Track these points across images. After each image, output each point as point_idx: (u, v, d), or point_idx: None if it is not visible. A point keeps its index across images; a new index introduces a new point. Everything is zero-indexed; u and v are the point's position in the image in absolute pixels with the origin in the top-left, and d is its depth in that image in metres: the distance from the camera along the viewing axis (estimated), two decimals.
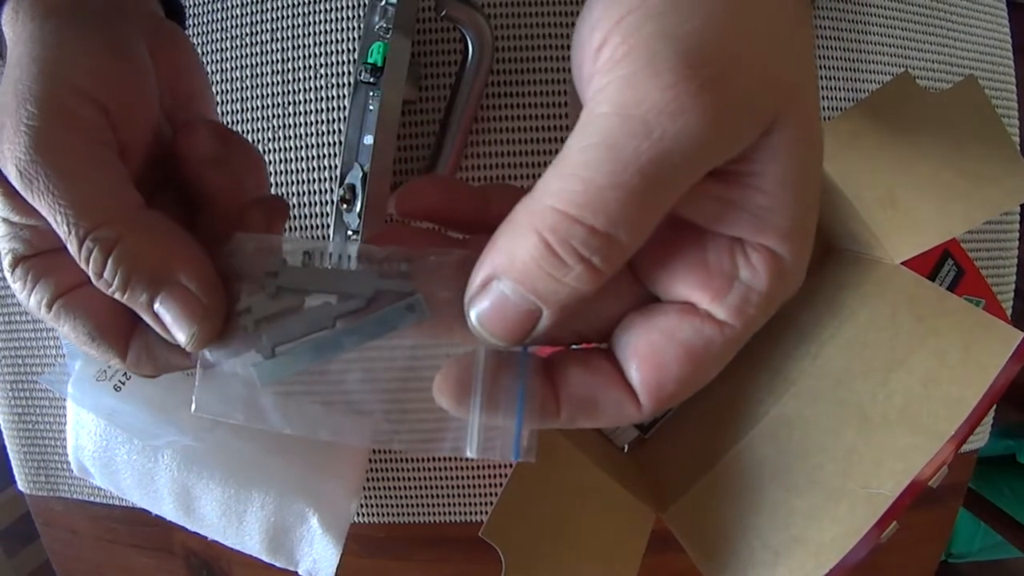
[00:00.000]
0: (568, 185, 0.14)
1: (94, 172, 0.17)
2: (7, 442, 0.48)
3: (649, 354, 0.16)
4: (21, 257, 0.18)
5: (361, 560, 0.46)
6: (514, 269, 0.15)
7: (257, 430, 0.41)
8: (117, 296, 0.18)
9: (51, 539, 0.49)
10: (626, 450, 0.44)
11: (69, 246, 0.17)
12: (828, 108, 0.43)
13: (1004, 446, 0.93)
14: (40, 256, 0.19)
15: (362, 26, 0.40)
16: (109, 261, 0.17)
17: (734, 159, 0.15)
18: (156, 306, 0.18)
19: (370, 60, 0.35)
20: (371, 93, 0.36)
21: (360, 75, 0.35)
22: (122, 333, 0.19)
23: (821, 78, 0.42)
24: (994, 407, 0.38)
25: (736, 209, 0.16)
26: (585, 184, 0.14)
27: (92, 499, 0.47)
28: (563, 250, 0.14)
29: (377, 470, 0.45)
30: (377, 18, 0.36)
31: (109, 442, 0.40)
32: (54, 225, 0.17)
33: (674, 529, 0.36)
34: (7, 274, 0.19)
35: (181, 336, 0.17)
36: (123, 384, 0.39)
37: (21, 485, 0.48)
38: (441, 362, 0.18)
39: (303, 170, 0.42)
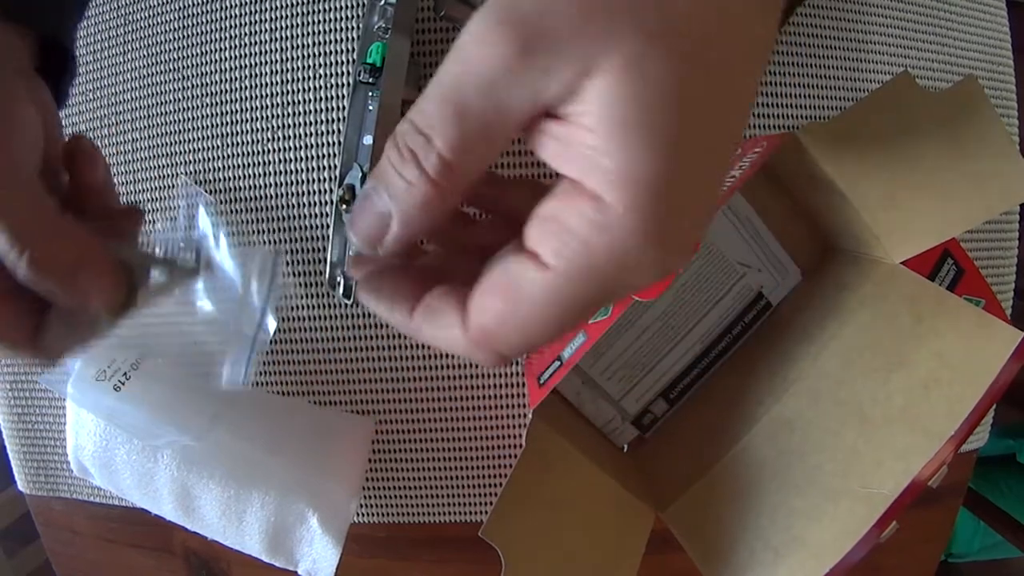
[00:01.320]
0: (417, 105, 0.17)
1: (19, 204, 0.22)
2: (7, 442, 0.48)
3: (480, 287, 0.18)
4: None
5: (361, 560, 0.46)
6: (378, 170, 0.18)
7: (257, 430, 0.41)
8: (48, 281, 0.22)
9: (51, 539, 0.49)
10: (626, 450, 0.44)
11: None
12: (828, 108, 0.43)
13: (1004, 446, 0.93)
14: None
15: (361, 26, 0.40)
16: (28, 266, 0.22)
17: (565, 100, 0.16)
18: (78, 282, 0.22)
19: (369, 60, 0.35)
20: (370, 93, 0.36)
21: (359, 75, 0.35)
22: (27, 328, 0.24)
23: (820, 77, 0.42)
24: (994, 407, 0.38)
25: (568, 147, 0.17)
26: (425, 103, 0.17)
27: (92, 499, 0.47)
28: (401, 144, 0.17)
29: (377, 470, 0.45)
30: (376, 18, 0.36)
31: (109, 442, 0.40)
32: None
33: (674, 529, 0.36)
34: None
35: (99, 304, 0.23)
36: (123, 384, 0.39)
37: (21, 485, 0.48)
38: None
39: (302, 170, 0.42)
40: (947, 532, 0.49)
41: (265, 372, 0.43)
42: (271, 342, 0.42)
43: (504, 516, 0.30)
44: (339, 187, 0.36)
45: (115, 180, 0.43)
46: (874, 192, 0.33)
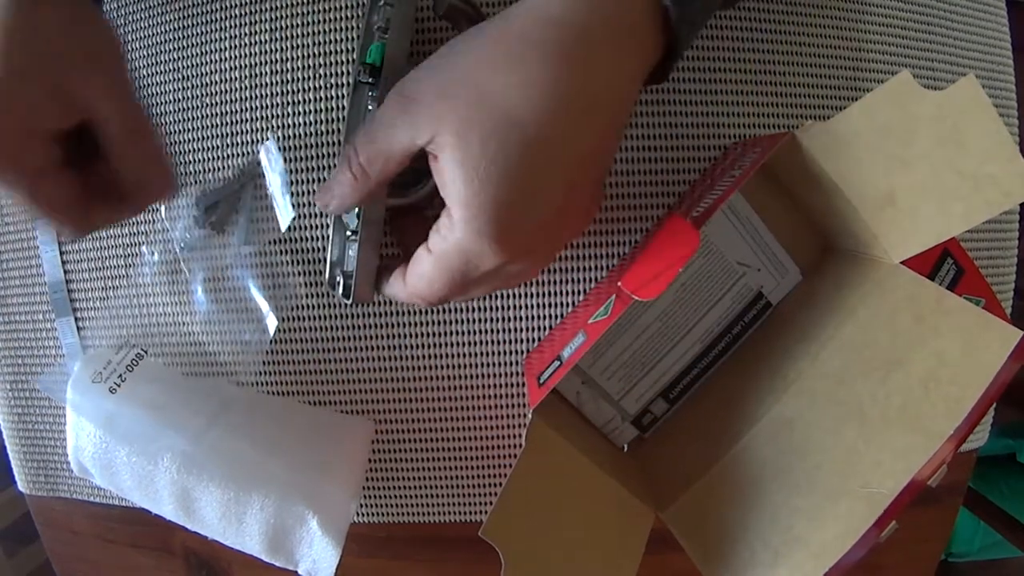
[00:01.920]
0: (359, 137, 0.30)
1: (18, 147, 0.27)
2: (7, 442, 0.48)
3: (408, 265, 0.32)
4: None
5: (361, 560, 0.46)
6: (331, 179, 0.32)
7: (256, 432, 0.41)
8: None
9: (51, 539, 0.49)
10: (626, 449, 0.44)
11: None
12: (828, 108, 0.43)
13: (1004, 445, 0.93)
14: None
15: (361, 26, 0.40)
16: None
17: (431, 144, 0.27)
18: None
19: (368, 60, 0.35)
20: (370, 94, 0.36)
21: (359, 76, 0.35)
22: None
23: (819, 76, 0.42)
24: (994, 406, 0.38)
25: (439, 177, 0.28)
26: (355, 141, 0.30)
27: (92, 499, 0.47)
28: (343, 156, 0.31)
29: (377, 470, 0.45)
30: (376, 18, 0.36)
31: (109, 443, 0.40)
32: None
33: (674, 529, 0.36)
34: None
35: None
36: (118, 386, 0.40)
37: (21, 485, 0.48)
38: None
39: (302, 170, 0.42)
40: (947, 532, 0.49)
41: (265, 372, 0.43)
42: (271, 342, 0.42)
43: (504, 516, 0.30)
44: None
45: None
46: (874, 192, 0.33)
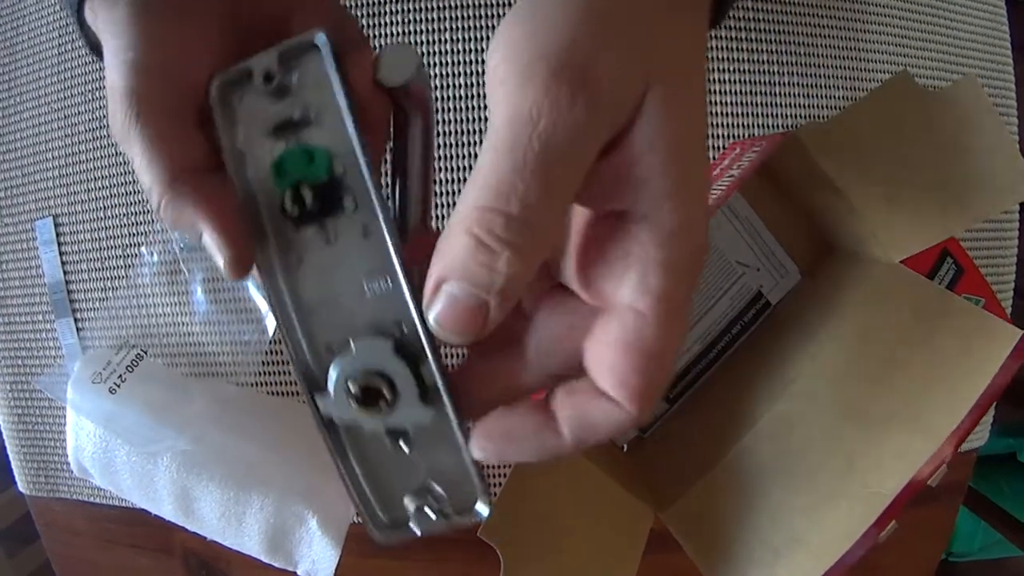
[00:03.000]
0: (482, 185, 0.16)
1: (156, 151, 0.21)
2: (7, 443, 0.48)
3: (600, 363, 0.18)
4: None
5: (361, 560, 0.46)
6: (455, 269, 0.17)
7: (256, 432, 0.41)
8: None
9: (51, 540, 0.49)
10: (625, 450, 0.44)
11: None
12: (827, 107, 0.43)
13: (1004, 445, 0.93)
14: None
15: (229, 139, 0.23)
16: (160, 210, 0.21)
17: (612, 140, 0.17)
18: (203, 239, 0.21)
19: (297, 177, 0.22)
20: (331, 234, 0.23)
21: (285, 206, 0.22)
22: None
23: (820, 76, 0.42)
24: (994, 405, 0.38)
25: (613, 180, 0.18)
26: (496, 178, 0.16)
27: (92, 500, 0.47)
28: (490, 239, 0.16)
29: None
30: (273, 107, 0.24)
31: (109, 443, 0.40)
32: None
33: (673, 529, 0.36)
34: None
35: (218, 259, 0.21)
36: (118, 386, 0.40)
37: (21, 486, 0.48)
38: None
39: None
40: (947, 531, 0.49)
41: (264, 372, 0.43)
42: (270, 342, 0.42)
43: (503, 516, 0.30)
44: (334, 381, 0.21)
45: (116, 181, 0.44)
46: (873, 191, 0.33)
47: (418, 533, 0.21)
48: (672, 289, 0.17)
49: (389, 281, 0.20)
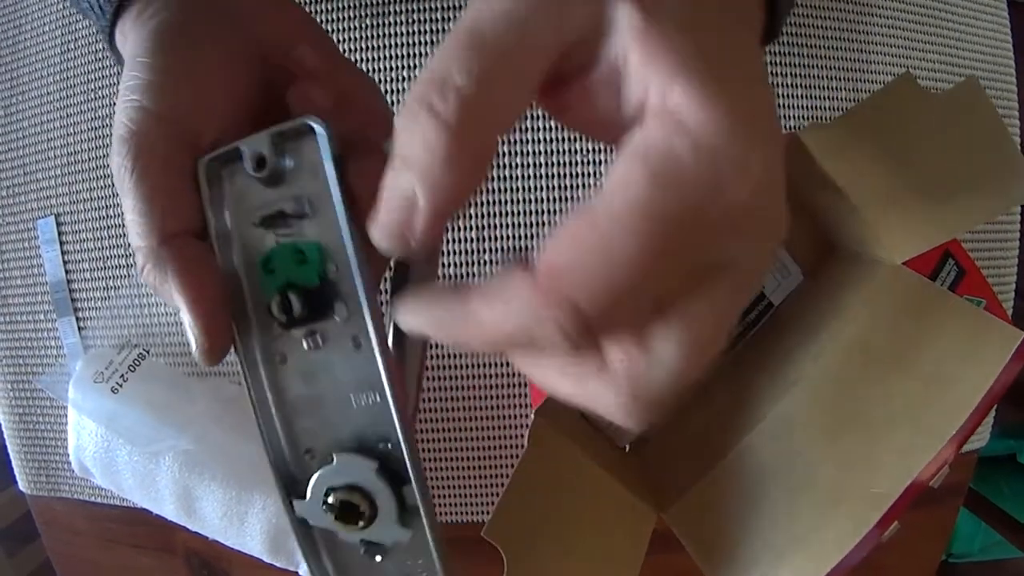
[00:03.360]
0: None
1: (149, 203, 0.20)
2: (8, 442, 0.48)
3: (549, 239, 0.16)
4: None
5: None
6: (393, 144, 0.16)
7: (257, 433, 0.41)
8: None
9: (52, 539, 0.49)
10: (627, 450, 0.44)
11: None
12: (828, 108, 0.43)
13: (1005, 446, 0.93)
14: None
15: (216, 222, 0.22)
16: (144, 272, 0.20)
17: (588, 35, 0.15)
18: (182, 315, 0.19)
19: (288, 281, 0.21)
20: (309, 337, 0.21)
21: (274, 312, 0.21)
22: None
23: (821, 78, 0.42)
24: (995, 407, 0.38)
25: (609, 85, 0.16)
26: (434, 59, 0.15)
27: (93, 499, 0.47)
28: (412, 100, 0.15)
29: None
30: (264, 197, 0.21)
31: (110, 442, 0.40)
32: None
33: (675, 529, 0.36)
34: None
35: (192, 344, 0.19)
36: (120, 386, 0.40)
37: (22, 485, 0.48)
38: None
39: None
40: (948, 532, 0.49)
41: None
42: None
43: (506, 516, 0.30)
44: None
45: None
46: (875, 192, 0.33)
47: None
48: (661, 167, 0.14)
49: (377, 397, 0.19)
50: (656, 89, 0.15)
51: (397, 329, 0.20)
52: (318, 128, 0.18)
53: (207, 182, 0.19)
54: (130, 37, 0.21)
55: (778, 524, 0.33)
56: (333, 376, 0.19)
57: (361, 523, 0.19)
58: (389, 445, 0.19)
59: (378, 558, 0.20)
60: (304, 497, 0.20)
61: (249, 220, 0.19)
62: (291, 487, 0.20)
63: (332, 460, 0.19)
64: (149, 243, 0.19)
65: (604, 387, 0.16)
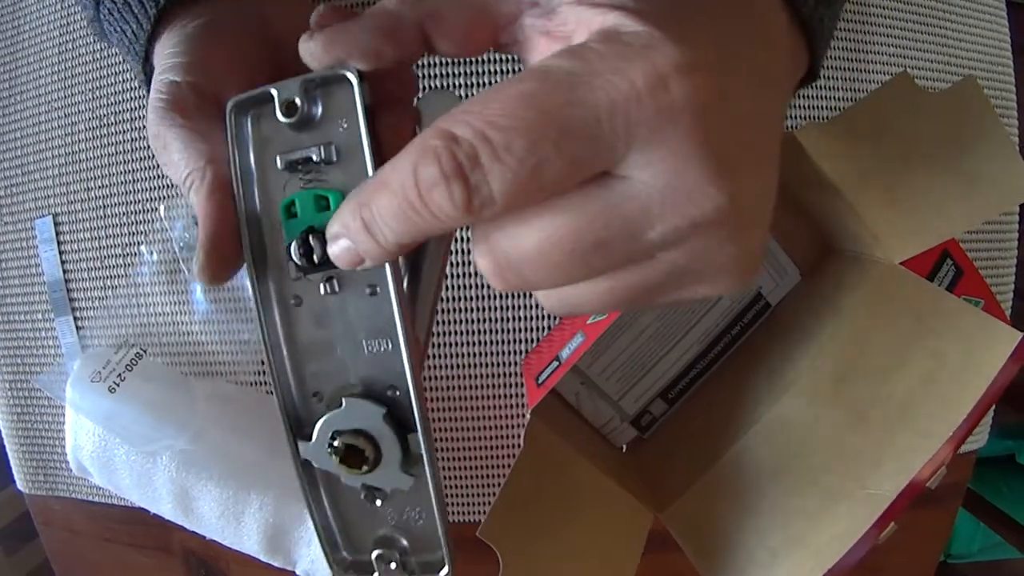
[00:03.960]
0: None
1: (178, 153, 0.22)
2: (6, 441, 0.48)
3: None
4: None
5: None
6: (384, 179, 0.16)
7: (255, 431, 0.41)
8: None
9: (50, 538, 0.49)
10: (624, 450, 0.44)
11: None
12: (828, 108, 0.43)
13: (1003, 446, 0.93)
14: None
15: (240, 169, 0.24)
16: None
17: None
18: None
19: (308, 224, 0.21)
20: (327, 282, 0.22)
21: (293, 255, 0.21)
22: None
23: (821, 78, 0.42)
24: (993, 407, 0.38)
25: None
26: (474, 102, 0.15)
27: (91, 498, 0.47)
28: (442, 150, 0.15)
29: None
30: (292, 151, 0.22)
31: (108, 442, 0.40)
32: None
33: (672, 529, 0.36)
34: None
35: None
36: (118, 385, 0.40)
37: (20, 484, 0.48)
38: None
39: None
40: (946, 533, 0.49)
41: (264, 372, 0.43)
42: None
43: (502, 516, 0.30)
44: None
45: (116, 180, 0.44)
46: (873, 192, 0.33)
47: None
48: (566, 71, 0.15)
49: (389, 344, 0.20)
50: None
51: (412, 279, 0.21)
52: (352, 77, 0.18)
53: (234, 123, 0.20)
54: (162, 46, 0.25)
55: (775, 525, 0.33)
56: (346, 321, 0.20)
57: (365, 467, 0.20)
58: (397, 393, 0.20)
59: (377, 503, 0.21)
60: (310, 439, 0.20)
61: (274, 164, 0.20)
62: (297, 429, 0.21)
63: (340, 404, 0.20)
64: (193, 163, 0.21)
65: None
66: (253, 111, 0.20)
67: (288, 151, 0.19)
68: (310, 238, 0.19)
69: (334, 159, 0.19)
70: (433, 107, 0.20)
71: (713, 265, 0.16)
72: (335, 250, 0.17)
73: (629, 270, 0.16)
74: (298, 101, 0.19)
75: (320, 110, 0.19)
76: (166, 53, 0.24)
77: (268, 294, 0.20)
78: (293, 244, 0.19)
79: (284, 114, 0.19)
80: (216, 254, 0.20)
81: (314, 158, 0.19)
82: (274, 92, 0.19)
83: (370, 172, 0.18)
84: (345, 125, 0.19)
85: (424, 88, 0.41)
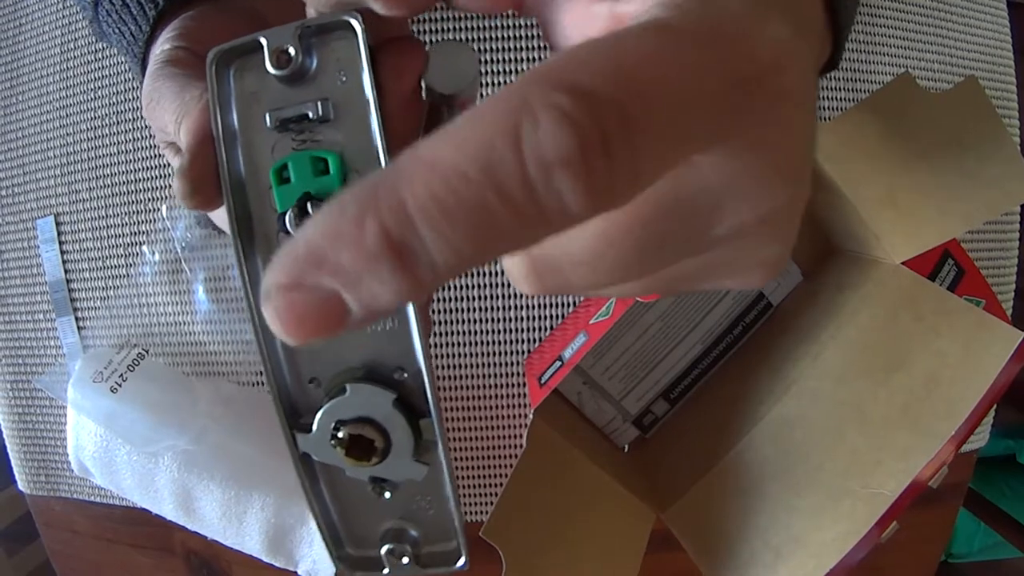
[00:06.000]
0: None
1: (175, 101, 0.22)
2: (7, 442, 0.48)
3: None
4: None
5: None
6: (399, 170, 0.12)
7: (256, 432, 0.41)
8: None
9: (51, 539, 0.49)
10: (627, 450, 0.44)
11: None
12: (828, 108, 0.43)
13: (1004, 446, 0.93)
14: None
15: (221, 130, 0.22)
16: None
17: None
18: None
19: (304, 190, 0.19)
20: None
21: (285, 225, 0.20)
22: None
23: (823, 78, 0.42)
24: (994, 407, 0.38)
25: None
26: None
27: (92, 499, 0.47)
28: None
29: None
30: (281, 110, 0.20)
31: (109, 442, 0.40)
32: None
33: (674, 529, 0.36)
34: None
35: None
36: (119, 386, 0.40)
37: (21, 485, 0.48)
38: None
39: None
40: (947, 532, 0.49)
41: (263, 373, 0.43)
42: None
43: (505, 516, 0.30)
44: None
45: (118, 180, 0.44)
46: (875, 192, 0.33)
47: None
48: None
49: (395, 321, 0.17)
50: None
51: None
52: (356, 23, 0.16)
53: (215, 76, 0.17)
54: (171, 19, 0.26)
55: (777, 524, 0.33)
56: None
57: (374, 459, 0.17)
58: (405, 375, 0.18)
59: (386, 495, 0.19)
60: (308, 430, 0.18)
61: (262, 123, 0.17)
62: (293, 420, 0.19)
63: (344, 391, 0.18)
64: (192, 94, 0.21)
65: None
66: (238, 63, 0.17)
67: (278, 108, 0.17)
68: (308, 206, 0.16)
69: (331, 117, 0.17)
70: (445, 60, 0.17)
71: (754, 259, 0.14)
72: (284, 303, 0.11)
73: (676, 264, 0.14)
74: (291, 50, 0.16)
75: (315, 62, 0.17)
76: (166, 36, 0.25)
77: (256, 268, 0.18)
78: (289, 213, 0.16)
79: (275, 66, 0.16)
80: (203, 165, 0.18)
81: (310, 115, 0.17)
82: (264, 40, 0.17)
83: (375, 132, 0.16)
84: (344, 79, 0.17)
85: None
